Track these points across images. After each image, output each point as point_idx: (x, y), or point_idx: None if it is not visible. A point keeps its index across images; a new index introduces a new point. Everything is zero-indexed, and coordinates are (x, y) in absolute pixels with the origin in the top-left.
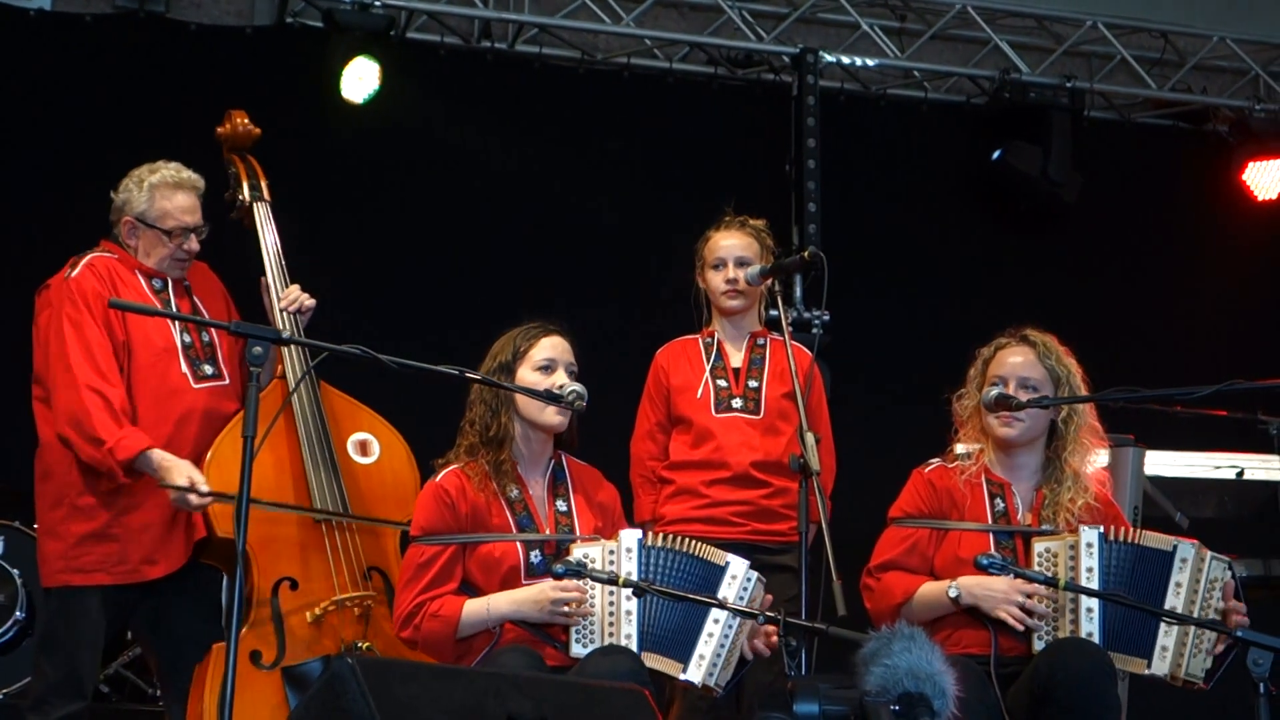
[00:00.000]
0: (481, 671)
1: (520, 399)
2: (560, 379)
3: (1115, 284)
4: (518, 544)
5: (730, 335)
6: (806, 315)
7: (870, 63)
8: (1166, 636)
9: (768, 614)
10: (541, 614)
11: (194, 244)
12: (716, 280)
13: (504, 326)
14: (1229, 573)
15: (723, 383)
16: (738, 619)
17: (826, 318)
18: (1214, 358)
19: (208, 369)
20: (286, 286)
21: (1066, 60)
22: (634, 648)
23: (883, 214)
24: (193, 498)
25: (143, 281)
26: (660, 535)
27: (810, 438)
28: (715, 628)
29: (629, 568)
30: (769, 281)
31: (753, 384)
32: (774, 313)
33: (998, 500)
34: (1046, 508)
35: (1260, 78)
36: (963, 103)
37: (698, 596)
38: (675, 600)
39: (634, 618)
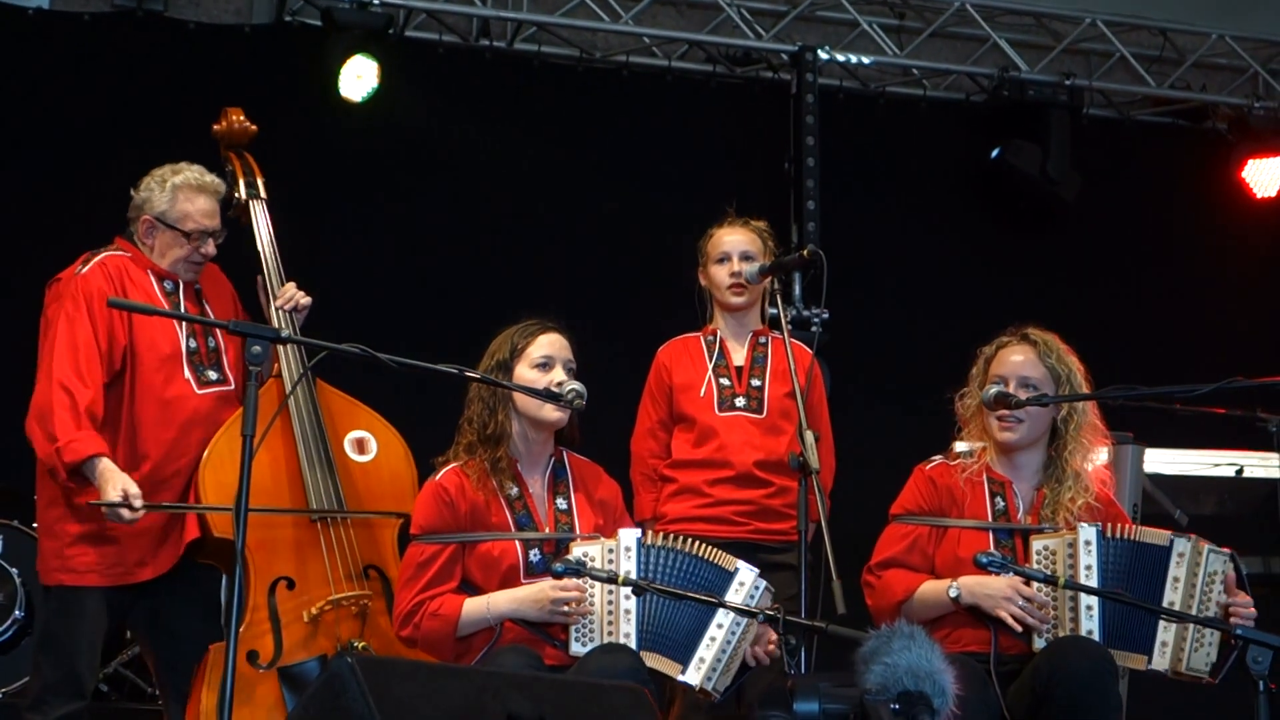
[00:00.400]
0: (481, 670)
1: (518, 396)
2: (558, 376)
3: (1114, 282)
4: (517, 543)
5: (732, 333)
6: (806, 314)
7: (863, 60)
8: (1166, 632)
9: (767, 611)
10: (541, 613)
11: (210, 248)
12: (721, 274)
13: (501, 324)
14: (1229, 565)
15: (725, 381)
16: (742, 625)
17: (826, 316)
18: (1213, 355)
19: (212, 374)
20: (283, 284)
21: (1065, 58)
22: (633, 646)
23: (882, 212)
24: (125, 512)
25: (154, 282)
26: (661, 534)
27: (810, 436)
28: (719, 632)
29: (628, 567)
30: (768, 280)
31: (755, 382)
32: (773, 311)
33: (998, 498)
34: (1046, 507)
35: (1259, 75)
36: (962, 100)
37: (697, 595)
38: (675, 599)
39: (633, 617)
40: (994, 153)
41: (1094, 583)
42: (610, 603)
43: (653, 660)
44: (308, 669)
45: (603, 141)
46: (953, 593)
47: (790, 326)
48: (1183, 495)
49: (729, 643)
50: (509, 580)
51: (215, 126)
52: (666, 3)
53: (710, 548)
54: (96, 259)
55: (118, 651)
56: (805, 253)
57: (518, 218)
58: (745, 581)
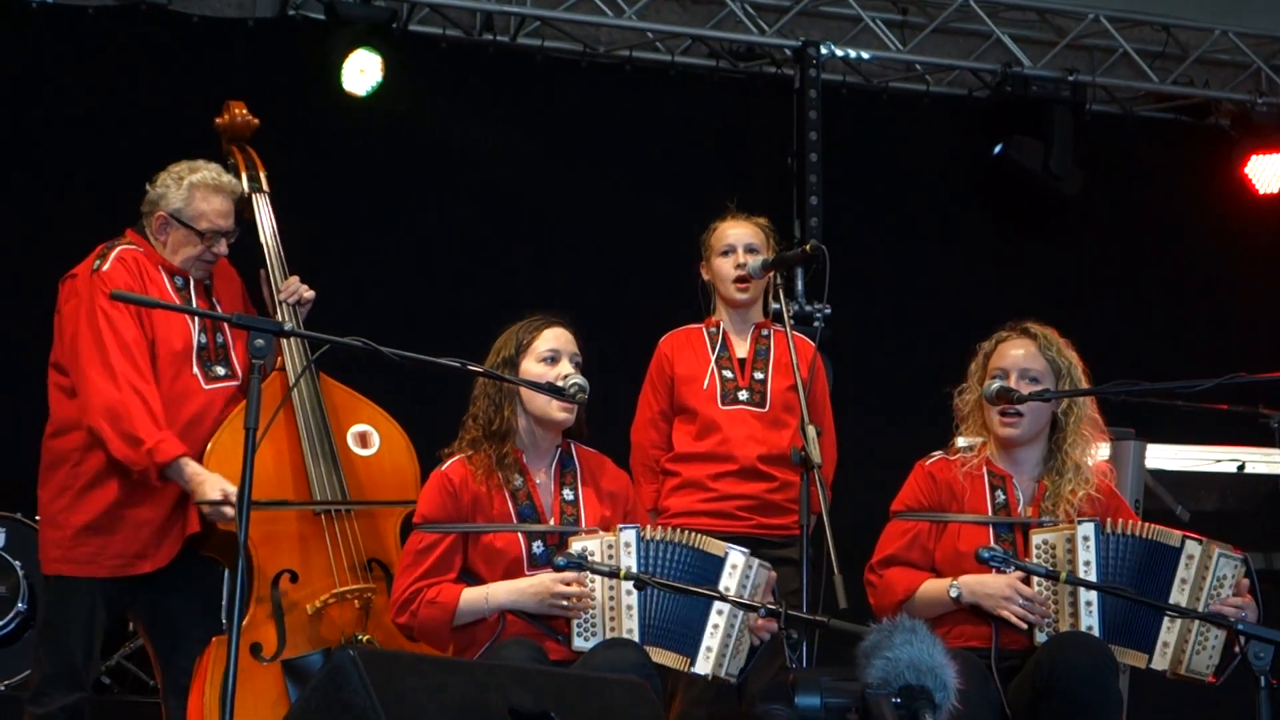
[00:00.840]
0: (484, 664)
1: (526, 395)
2: (565, 370)
3: (1116, 278)
4: (520, 535)
5: (735, 325)
6: (808, 309)
7: (866, 55)
8: (1169, 633)
9: (768, 606)
10: (540, 605)
11: (223, 248)
12: (726, 266)
13: (504, 318)
14: (1240, 570)
15: (728, 373)
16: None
17: (828, 311)
18: (1215, 351)
19: (220, 370)
20: (286, 278)
21: (1068, 54)
22: (636, 641)
23: (884, 208)
24: (227, 510)
25: (165, 278)
26: (659, 528)
27: (812, 430)
28: (720, 619)
29: (628, 562)
30: (771, 275)
31: (758, 375)
32: (775, 306)
33: (998, 492)
34: (1047, 499)
35: (1262, 71)
36: (964, 96)
37: (700, 590)
38: (677, 593)
39: (635, 612)
40: (996, 148)
41: (1093, 578)
42: (612, 598)
43: (659, 655)
44: (311, 662)
45: (605, 136)
46: (954, 593)
47: (793, 321)
48: (1184, 491)
49: (733, 626)
50: (512, 572)
51: (218, 120)
52: None
53: (699, 535)
54: (114, 253)
55: (120, 644)
56: (808, 248)
57: (520, 212)
58: (737, 564)
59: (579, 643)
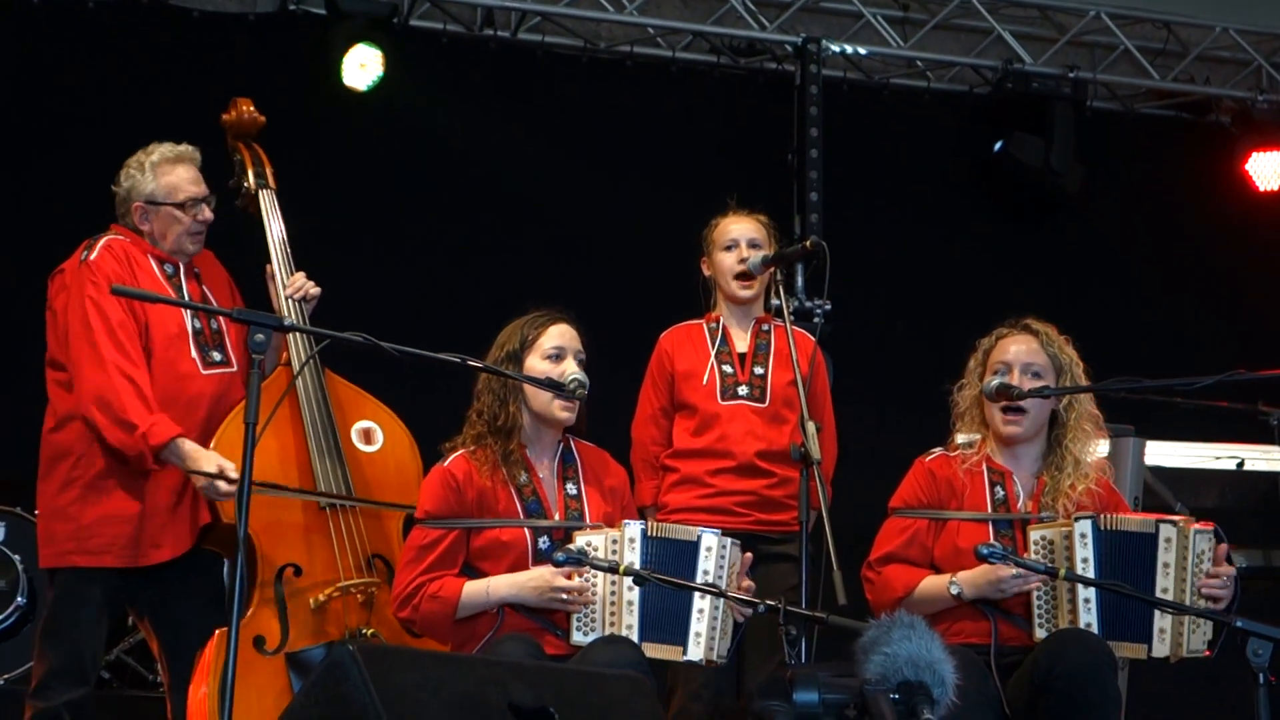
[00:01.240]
0: (482, 659)
1: (529, 392)
2: (569, 367)
3: (1116, 274)
4: (526, 530)
5: (736, 320)
6: (808, 305)
7: (866, 51)
8: (1163, 619)
9: (769, 603)
10: (541, 599)
11: (207, 213)
12: (728, 261)
13: (506, 313)
14: (1213, 540)
15: (728, 369)
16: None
17: (828, 307)
18: (1215, 348)
19: (216, 355)
20: (292, 274)
21: (1069, 50)
22: (635, 637)
23: (885, 204)
24: (221, 484)
25: (155, 265)
26: (653, 524)
27: (811, 426)
28: (704, 603)
29: (631, 558)
30: (772, 271)
31: (758, 370)
32: (775, 302)
33: (998, 488)
34: (1047, 494)
35: (1263, 68)
36: (965, 93)
37: (700, 586)
38: (679, 590)
39: (635, 608)
40: (997, 145)
41: (1091, 575)
42: (613, 593)
43: (654, 650)
44: (316, 655)
45: (606, 131)
46: (954, 590)
47: (793, 317)
48: (1184, 488)
49: (717, 609)
50: (518, 567)
51: (224, 116)
52: None
53: (671, 526)
54: (100, 244)
55: (120, 638)
56: (808, 244)
57: (520, 207)
58: (711, 546)
59: (578, 637)
